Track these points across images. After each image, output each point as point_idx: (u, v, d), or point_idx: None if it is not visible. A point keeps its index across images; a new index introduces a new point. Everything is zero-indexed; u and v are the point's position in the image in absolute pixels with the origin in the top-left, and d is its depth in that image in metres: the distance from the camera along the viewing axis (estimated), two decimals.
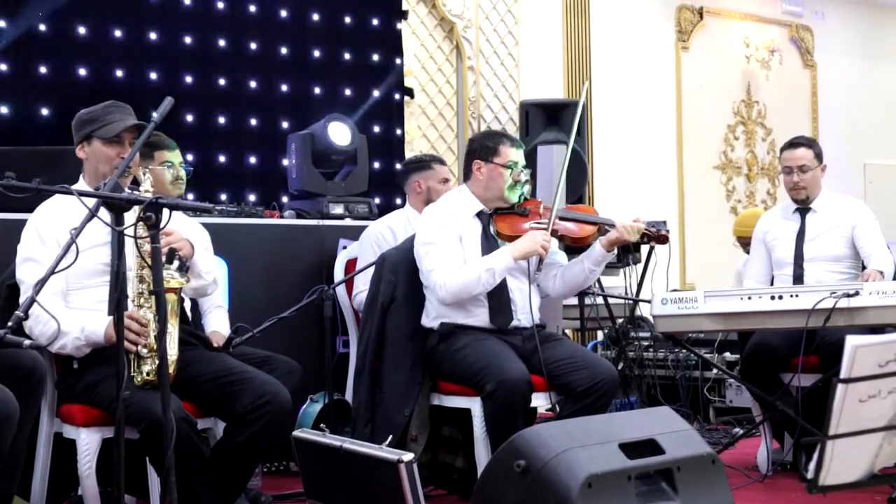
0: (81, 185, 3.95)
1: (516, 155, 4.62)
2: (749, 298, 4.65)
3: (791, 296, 4.59)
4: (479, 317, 4.51)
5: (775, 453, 5.17)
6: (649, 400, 6.45)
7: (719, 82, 10.21)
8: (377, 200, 6.39)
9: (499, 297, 4.51)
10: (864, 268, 5.11)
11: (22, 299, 3.71)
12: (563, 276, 4.68)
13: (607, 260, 4.63)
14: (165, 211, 3.01)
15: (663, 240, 4.68)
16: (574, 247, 4.92)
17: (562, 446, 3.12)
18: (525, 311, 4.53)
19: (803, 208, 5.35)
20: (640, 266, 6.79)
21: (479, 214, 4.63)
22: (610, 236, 4.55)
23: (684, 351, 6.53)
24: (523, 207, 4.64)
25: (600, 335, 7.41)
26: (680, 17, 9.88)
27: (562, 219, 4.62)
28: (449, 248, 4.47)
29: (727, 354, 6.51)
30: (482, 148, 4.65)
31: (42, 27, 6.16)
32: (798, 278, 5.21)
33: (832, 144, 10.16)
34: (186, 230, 4.06)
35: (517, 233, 4.56)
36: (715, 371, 6.50)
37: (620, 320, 6.80)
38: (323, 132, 6.07)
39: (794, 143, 5.40)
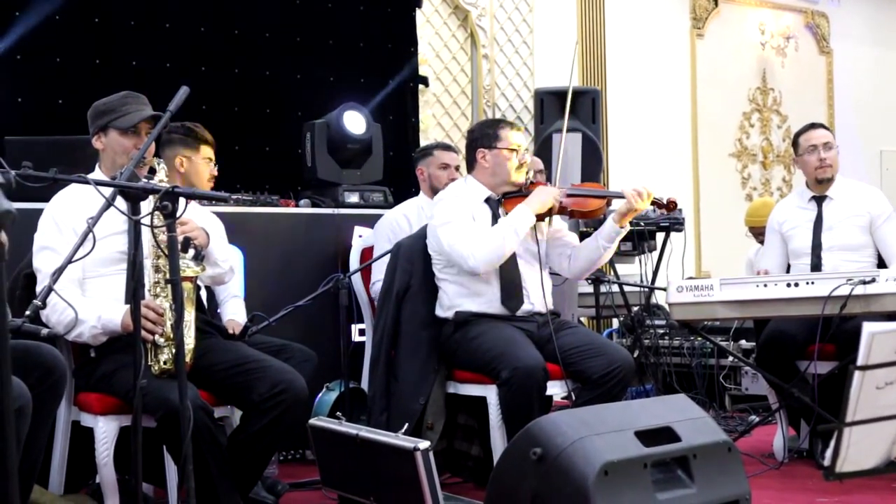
0: (98, 174, 3.96)
1: (518, 138, 4.68)
2: (765, 286, 4.63)
3: (807, 283, 4.57)
4: (492, 302, 4.51)
5: (791, 441, 5.16)
6: (665, 388, 6.44)
7: (734, 69, 10.18)
8: (392, 189, 6.38)
9: (510, 281, 4.52)
10: (881, 262, 5.11)
11: (39, 288, 3.73)
12: (577, 255, 4.68)
13: (621, 236, 4.62)
14: (182, 200, 3.01)
15: (673, 206, 4.67)
16: (586, 223, 4.93)
17: (578, 434, 3.12)
18: (538, 296, 4.54)
19: (819, 196, 5.33)
20: (656, 254, 6.80)
21: (488, 200, 4.64)
22: (620, 208, 4.55)
23: (700, 339, 6.51)
24: (530, 189, 4.65)
25: (616, 323, 7.40)
26: (695, 4, 9.86)
27: (570, 195, 4.63)
28: (467, 223, 4.50)
29: (743, 342, 6.49)
30: (483, 136, 4.68)
31: (58, 16, 6.16)
32: (816, 267, 5.18)
33: (848, 131, 10.14)
34: (201, 219, 4.07)
35: None
36: (731, 359, 6.49)
37: (636, 308, 6.79)
38: (338, 121, 6.07)
39: (813, 126, 5.41)
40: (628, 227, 4.67)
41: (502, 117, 8.12)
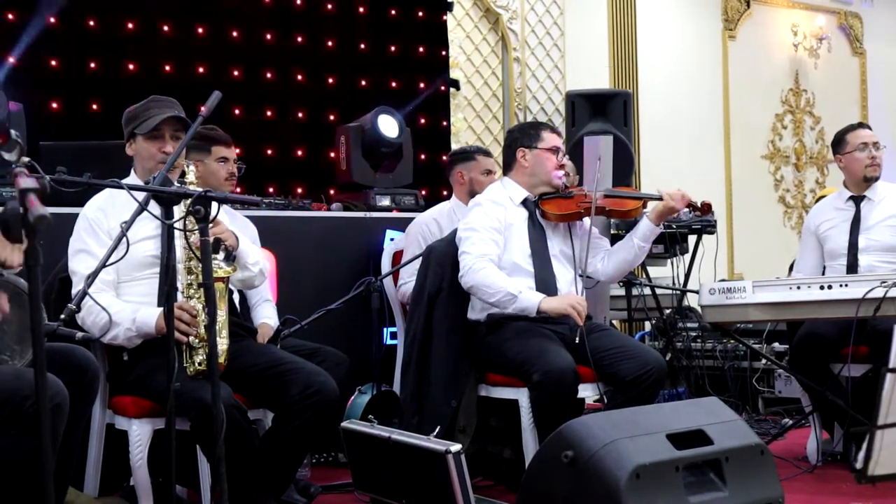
0: (133, 179, 4.00)
1: (558, 140, 4.71)
2: (798, 288, 4.61)
3: (841, 285, 4.54)
4: None
5: (825, 444, 5.12)
6: (697, 391, 6.42)
7: (767, 71, 10.14)
8: (423, 192, 6.40)
9: (543, 282, 4.52)
10: None
11: (74, 291, 3.76)
12: (612, 257, 4.69)
13: (655, 235, 4.62)
14: (214, 204, 3.03)
15: (707, 209, 4.67)
16: (617, 227, 4.92)
17: (609, 437, 3.12)
18: None
19: (858, 196, 5.31)
20: (688, 256, 6.78)
21: (525, 202, 4.65)
22: (657, 207, 4.56)
23: (732, 341, 6.49)
24: (568, 191, 4.67)
25: (648, 326, 7.38)
26: (727, 6, 9.82)
27: (607, 196, 4.64)
28: (487, 238, 4.51)
29: (776, 344, 6.46)
30: (525, 135, 4.72)
31: (91, 23, 6.22)
32: (851, 267, 5.16)
33: (882, 133, 9.94)
34: (233, 223, 4.09)
35: (564, 211, 4.62)
36: (764, 361, 6.46)
37: (668, 311, 6.78)
38: (373, 124, 6.08)
39: (861, 125, 5.43)
40: (662, 228, 4.68)
41: (536, 120, 8.15)
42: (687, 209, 4.64)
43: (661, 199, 4.57)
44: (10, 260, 2.89)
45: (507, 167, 4.77)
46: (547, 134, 4.69)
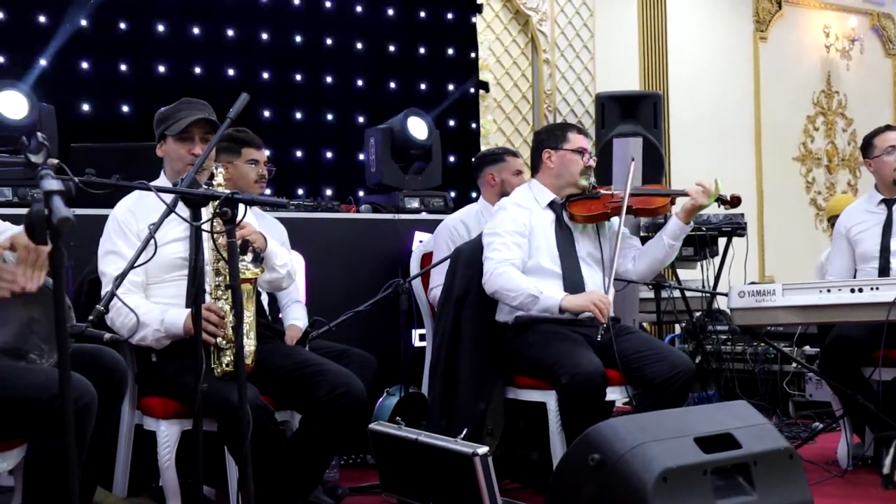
0: (162, 181, 4.02)
1: (584, 142, 4.71)
2: (828, 291, 4.57)
3: (871, 288, 4.51)
4: None
5: (856, 448, 5.09)
6: (727, 394, 6.39)
7: (798, 72, 10.09)
8: (452, 194, 6.40)
9: (571, 283, 4.51)
10: None
11: (103, 292, 3.77)
12: (643, 256, 4.68)
13: (685, 233, 4.60)
14: (241, 206, 3.04)
15: (737, 201, 4.65)
16: (647, 229, 4.90)
17: (636, 440, 3.10)
18: None
19: (890, 199, 5.27)
20: (718, 259, 6.75)
21: (552, 204, 4.64)
22: (685, 203, 4.54)
23: (763, 344, 6.46)
24: (595, 191, 4.66)
25: (678, 329, 7.36)
26: (758, 7, 9.78)
27: (633, 195, 4.63)
28: (509, 242, 4.51)
29: (807, 348, 6.42)
30: (551, 137, 4.72)
31: (122, 25, 6.26)
32: (884, 271, 5.12)
33: None
34: (262, 224, 4.10)
35: (591, 212, 4.62)
36: (794, 364, 6.42)
37: (698, 314, 6.75)
38: (402, 126, 6.09)
39: (889, 127, 5.37)
40: (693, 225, 4.67)
41: (563, 122, 8.14)
42: (716, 203, 4.62)
43: (687, 194, 4.55)
44: (30, 287, 2.92)
45: (535, 169, 4.77)
46: (573, 135, 4.68)
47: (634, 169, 4.71)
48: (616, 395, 4.40)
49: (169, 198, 3.19)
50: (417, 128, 6.14)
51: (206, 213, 3.33)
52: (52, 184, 2.09)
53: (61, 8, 6.06)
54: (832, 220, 6.82)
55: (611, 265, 4.55)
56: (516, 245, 4.52)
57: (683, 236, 4.62)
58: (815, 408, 6.47)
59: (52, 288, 3.00)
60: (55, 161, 2.72)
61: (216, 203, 3.05)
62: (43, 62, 5.98)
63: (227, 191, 3.17)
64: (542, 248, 4.54)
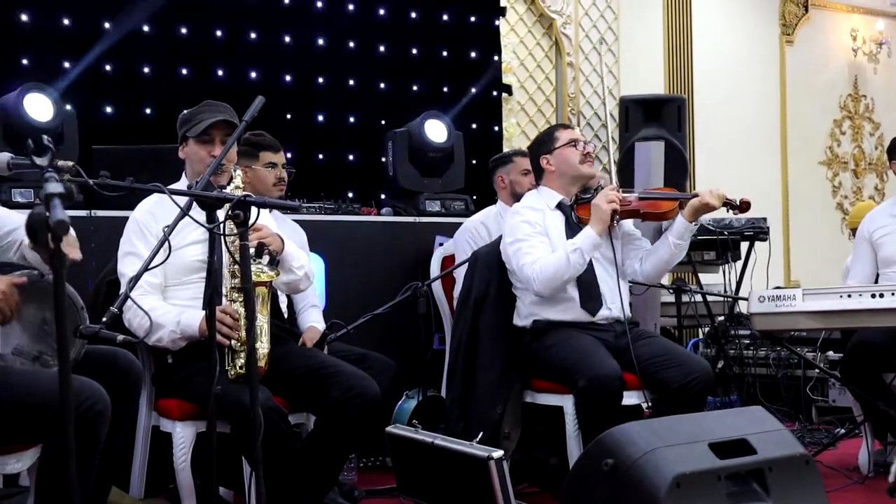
0: (183, 182, 4.05)
1: (574, 133, 4.71)
2: (849, 296, 4.55)
3: (893, 293, 4.48)
4: (570, 309, 4.49)
5: (877, 454, 5.05)
6: (749, 399, 6.35)
7: (825, 76, 10.03)
8: (475, 197, 6.40)
9: (587, 283, 4.50)
10: None
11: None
12: (649, 257, 4.65)
13: (691, 232, 4.57)
14: (254, 208, 3.05)
15: (745, 207, 4.62)
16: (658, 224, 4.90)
17: (650, 445, 3.08)
18: (615, 301, 4.52)
19: None
20: (740, 263, 6.71)
21: (560, 206, 4.63)
22: (693, 203, 4.50)
23: (786, 349, 6.42)
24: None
25: (701, 333, 7.32)
26: (784, 11, 9.73)
27: (641, 198, 4.61)
28: (536, 242, 4.50)
29: (830, 353, 6.39)
30: (541, 144, 4.75)
31: (145, 28, 6.29)
32: None
33: None
34: (281, 227, 4.11)
35: None
36: (817, 370, 6.39)
37: (720, 318, 6.72)
38: (420, 129, 6.09)
39: None
40: (699, 223, 4.67)
41: (587, 125, 8.15)
42: (724, 207, 4.59)
43: (696, 197, 4.53)
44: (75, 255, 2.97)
45: (539, 178, 4.77)
46: (560, 132, 4.70)
47: (654, 173, 4.70)
48: (633, 399, 4.39)
49: (183, 200, 3.20)
50: (435, 130, 6.14)
51: (221, 215, 3.34)
52: (53, 187, 2.10)
53: (87, 11, 6.09)
54: (854, 229, 6.79)
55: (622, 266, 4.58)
56: (541, 242, 4.51)
57: (689, 235, 4.58)
58: (838, 413, 6.43)
59: (70, 294, 3.03)
60: (70, 163, 2.73)
61: (229, 206, 3.06)
62: (66, 65, 6.01)
63: (241, 194, 3.18)
64: (556, 247, 4.52)
